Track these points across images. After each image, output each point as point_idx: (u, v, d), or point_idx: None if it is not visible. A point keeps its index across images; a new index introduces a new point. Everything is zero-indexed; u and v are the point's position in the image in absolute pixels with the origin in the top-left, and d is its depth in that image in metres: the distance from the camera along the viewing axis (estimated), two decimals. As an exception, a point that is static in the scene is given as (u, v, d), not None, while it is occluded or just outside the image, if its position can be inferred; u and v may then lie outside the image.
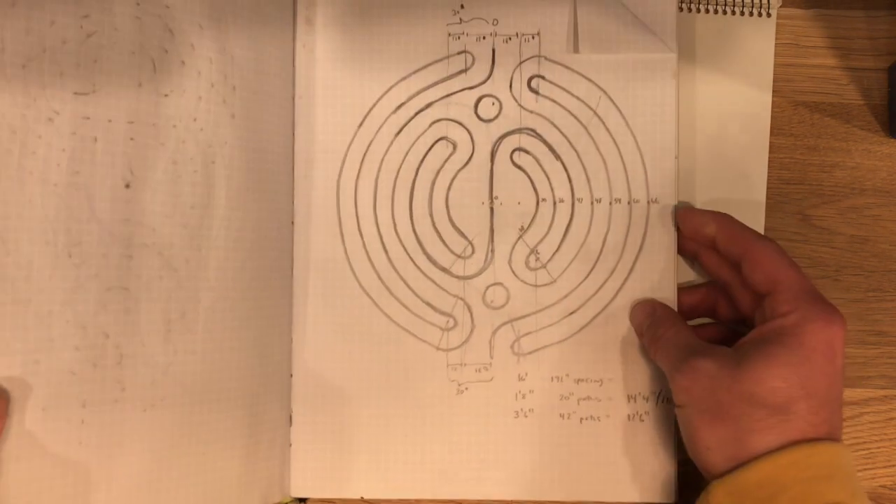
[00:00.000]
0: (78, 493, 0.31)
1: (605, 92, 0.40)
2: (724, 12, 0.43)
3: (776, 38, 0.43)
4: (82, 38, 0.32)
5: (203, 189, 0.35)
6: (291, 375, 0.39)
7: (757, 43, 0.43)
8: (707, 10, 0.43)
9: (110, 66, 0.33)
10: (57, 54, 0.31)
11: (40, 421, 0.30)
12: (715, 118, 0.42)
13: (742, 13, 0.43)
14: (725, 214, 0.39)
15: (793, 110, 0.43)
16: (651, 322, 0.39)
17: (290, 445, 0.39)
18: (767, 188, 0.42)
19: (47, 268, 0.31)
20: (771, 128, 0.43)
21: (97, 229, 0.32)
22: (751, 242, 0.38)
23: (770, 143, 0.43)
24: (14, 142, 0.30)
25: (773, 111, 0.43)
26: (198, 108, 0.35)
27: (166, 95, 0.34)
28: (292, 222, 0.40)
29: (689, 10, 0.42)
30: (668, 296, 0.40)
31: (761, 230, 0.42)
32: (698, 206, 0.42)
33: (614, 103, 0.40)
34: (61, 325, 0.31)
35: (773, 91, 0.43)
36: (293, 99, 0.40)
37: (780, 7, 0.43)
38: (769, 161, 0.43)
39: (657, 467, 0.39)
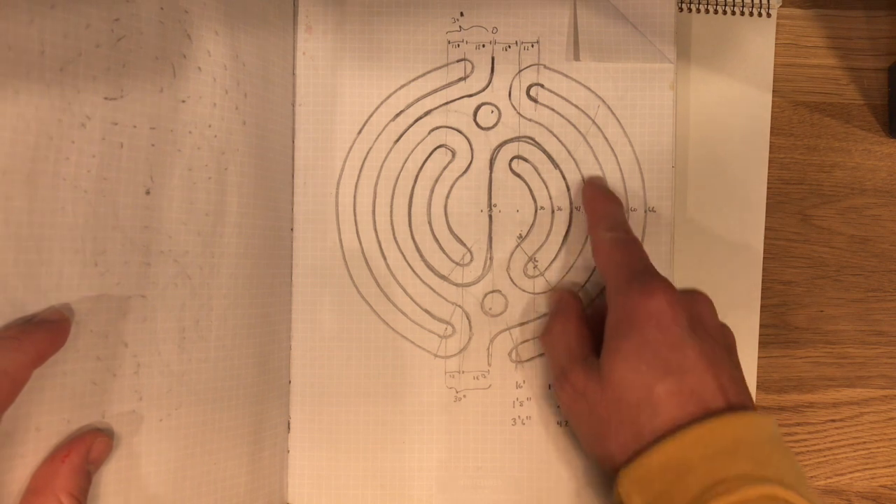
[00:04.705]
0: None
1: (603, 101, 0.45)
2: (724, 12, 0.48)
3: (776, 38, 0.49)
4: (113, 41, 0.36)
5: (217, 196, 0.40)
6: (290, 382, 0.45)
7: (757, 43, 0.49)
8: (706, 10, 0.48)
9: (136, 71, 0.36)
10: (91, 58, 0.35)
11: (63, 433, 0.34)
12: (715, 118, 0.48)
13: (742, 13, 0.48)
14: (594, 196, 0.44)
15: (793, 110, 0.49)
16: (551, 312, 0.44)
17: (289, 452, 0.45)
18: (767, 188, 0.48)
19: (76, 276, 0.34)
20: (771, 128, 0.48)
21: (120, 237, 0.36)
22: (591, 230, 0.44)
23: (770, 143, 0.48)
24: (50, 148, 0.33)
25: (773, 111, 0.49)
26: (212, 114, 0.40)
27: (183, 101, 0.39)
28: (291, 229, 0.46)
29: (689, 10, 0.48)
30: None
31: (761, 230, 0.48)
32: (697, 208, 0.48)
33: (613, 112, 0.45)
34: (86, 334, 0.35)
35: (773, 91, 0.49)
36: (293, 106, 0.45)
37: (780, 7, 0.49)
38: (769, 161, 0.48)
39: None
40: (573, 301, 0.44)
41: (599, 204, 0.44)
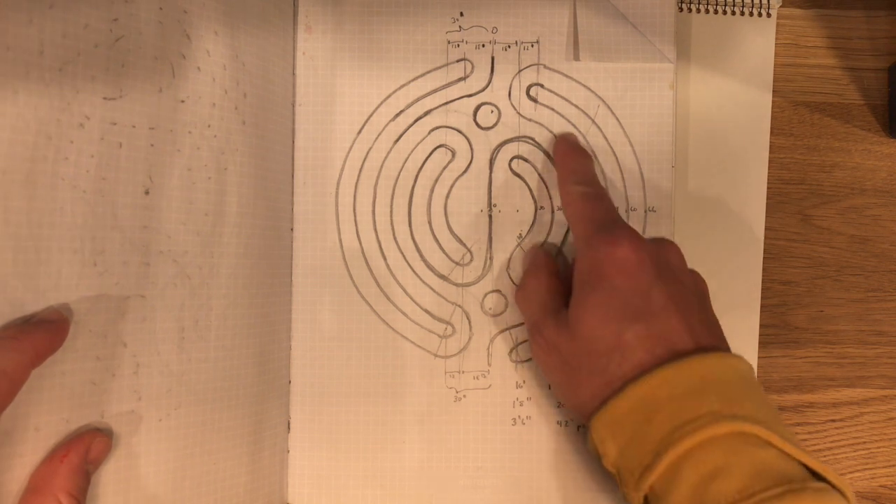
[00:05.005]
0: None
1: (603, 101, 0.46)
2: (724, 12, 0.49)
3: (776, 38, 0.49)
4: (111, 41, 0.36)
5: (216, 196, 0.40)
6: (290, 382, 0.46)
7: (757, 43, 0.49)
8: (707, 10, 0.49)
9: (135, 72, 0.37)
10: (90, 58, 0.35)
11: (62, 433, 0.34)
12: (715, 118, 0.48)
13: (742, 13, 0.49)
14: (565, 151, 0.44)
15: (793, 110, 0.49)
16: (525, 269, 0.45)
17: (289, 452, 0.45)
18: (767, 188, 0.48)
19: (74, 276, 0.35)
20: (771, 128, 0.49)
21: (119, 237, 0.36)
22: (561, 185, 0.44)
23: (770, 143, 0.49)
24: (49, 148, 0.33)
25: (773, 111, 0.49)
26: (212, 114, 0.40)
27: (183, 101, 0.39)
28: (291, 229, 0.46)
29: (689, 10, 0.48)
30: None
31: (761, 230, 0.48)
32: (697, 208, 0.48)
33: (612, 112, 0.46)
34: (85, 334, 0.35)
35: (773, 91, 0.49)
36: (293, 106, 0.46)
37: (780, 7, 0.49)
38: (769, 161, 0.49)
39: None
40: (545, 258, 0.45)
41: (570, 158, 0.45)
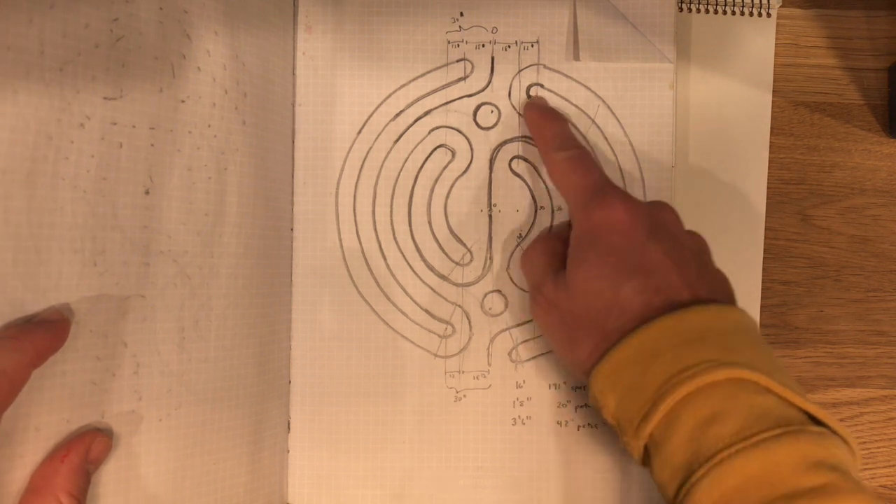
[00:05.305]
0: None
1: (603, 101, 0.46)
2: (724, 12, 0.49)
3: (776, 38, 0.49)
4: (112, 41, 0.36)
5: (216, 196, 0.41)
6: (290, 382, 0.46)
7: (757, 43, 0.49)
8: (707, 10, 0.49)
9: (136, 71, 0.37)
10: (90, 58, 0.35)
11: (63, 433, 0.34)
12: (715, 118, 0.48)
13: (742, 13, 0.49)
14: (539, 117, 0.45)
15: (793, 110, 0.49)
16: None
17: (288, 452, 0.45)
18: (767, 188, 0.49)
19: (74, 276, 0.35)
20: (771, 128, 0.49)
21: (119, 237, 0.36)
22: (543, 154, 0.44)
23: (770, 143, 0.49)
24: (50, 147, 0.33)
25: (773, 111, 0.49)
26: (212, 114, 0.40)
27: (183, 101, 0.39)
28: (291, 229, 0.46)
29: (689, 10, 0.49)
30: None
31: (761, 230, 0.49)
32: (696, 208, 0.48)
33: (612, 112, 0.46)
34: (85, 334, 0.35)
35: (773, 91, 0.49)
36: (293, 106, 0.46)
37: (780, 7, 0.49)
38: (769, 161, 0.49)
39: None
40: (555, 226, 0.45)
41: (545, 124, 0.45)
